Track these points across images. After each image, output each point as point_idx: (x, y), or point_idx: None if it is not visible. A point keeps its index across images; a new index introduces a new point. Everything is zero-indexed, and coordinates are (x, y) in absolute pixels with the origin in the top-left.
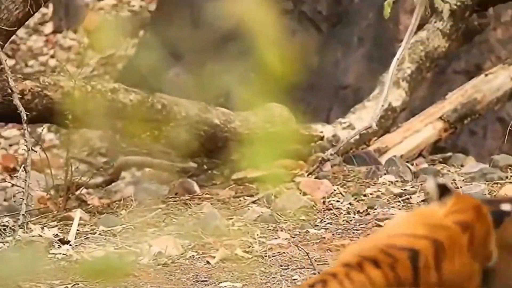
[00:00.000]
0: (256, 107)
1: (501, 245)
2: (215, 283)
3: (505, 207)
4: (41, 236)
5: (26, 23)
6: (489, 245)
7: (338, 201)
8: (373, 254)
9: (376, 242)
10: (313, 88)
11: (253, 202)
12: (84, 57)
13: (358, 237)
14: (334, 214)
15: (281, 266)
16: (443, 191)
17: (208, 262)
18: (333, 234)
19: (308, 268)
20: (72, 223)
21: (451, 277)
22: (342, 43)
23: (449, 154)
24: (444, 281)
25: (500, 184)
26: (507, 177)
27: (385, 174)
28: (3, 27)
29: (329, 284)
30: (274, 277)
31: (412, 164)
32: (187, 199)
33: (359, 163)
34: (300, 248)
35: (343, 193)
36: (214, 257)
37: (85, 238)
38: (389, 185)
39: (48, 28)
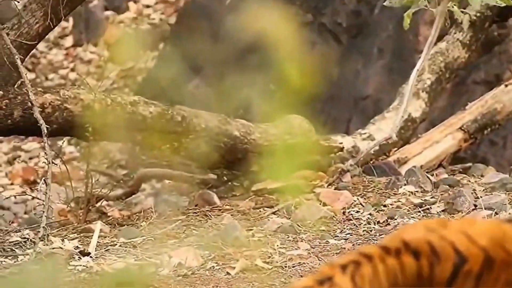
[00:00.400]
0: (275, 119)
1: None
2: None
3: None
4: (61, 248)
5: (46, 37)
6: None
7: (358, 211)
8: (418, 244)
9: (439, 229)
10: (333, 99)
11: (273, 213)
12: (104, 70)
13: None
14: (354, 225)
15: (301, 276)
16: None
17: (228, 273)
18: (353, 245)
19: None
20: (92, 235)
21: None
22: (362, 54)
23: (469, 164)
24: None
25: None
26: None
27: (405, 184)
28: (24, 41)
29: (363, 267)
30: None
31: (432, 175)
32: (207, 210)
33: (379, 174)
34: (320, 259)
35: (363, 204)
36: (234, 267)
37: (106, 250)
38: (409, 195)
39: (68, 41)
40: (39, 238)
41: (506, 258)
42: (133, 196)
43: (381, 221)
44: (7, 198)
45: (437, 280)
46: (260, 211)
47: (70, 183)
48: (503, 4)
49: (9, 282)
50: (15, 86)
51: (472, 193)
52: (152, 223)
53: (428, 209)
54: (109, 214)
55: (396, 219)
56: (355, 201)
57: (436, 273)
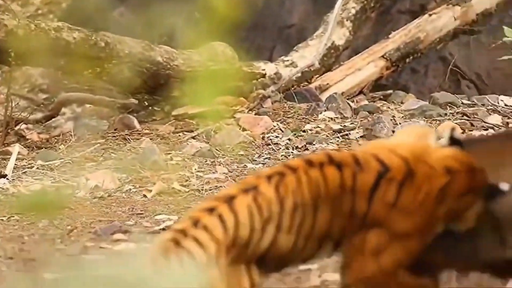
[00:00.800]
0: (200, 46)
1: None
2: (150, 215)
3: (504, 186)
4: None
5: None
6: (464, 205)
7: (277, 136)
8: (342, 157)
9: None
10: (257, 27)
11: (193, 137)
12: None
13: None
14: (273, 150)
15: None
16: (454, 143)
17: (144, 196)
18: (268, 169)
19: None
20: (10, 158)
21: (406, 206)
22: None
23: (390, 91)
24: (398, 206)
25: (439, 120)
26: (446, 114)
27: (325, 110)
28: None
29: (287, 178)
30: None
31: (353, 101)
32: (126, 134)
33: (299, 100)
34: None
35: (283, 129)
36: (151, 190)
37: (23, 172)
38: (328, 121)
39: None
40: None
41: (427, 171)
42: (53, 119)
43: (299, 146)
44: None
45: (359, 189)
46: (179, 135)
47: None
48: None
49: None
50: None
51: (391, 119)
52: (70, 146)
53: (347, 135)
54: (27, 137)
55: (314, 144)
56: (274, 126)
57: (359, 183)
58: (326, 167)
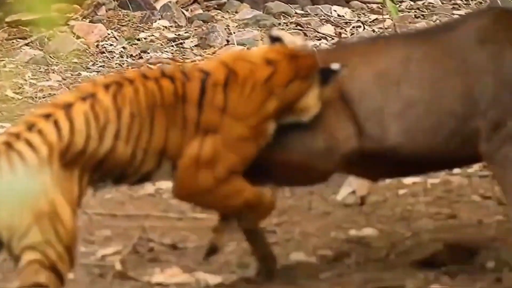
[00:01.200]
0: None
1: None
2: None
3: (335, 66)
4: None
5: None
6: (293, 93)
7: (111, 44)
8: (173, 72)
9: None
10: None
11: (26, 44)
12: None
13: None
14: (107, 58)
15: None
16: (275, 41)
17: None
18: (105, 77)
19: None
20: None
21: (237, 103)
22: None
23: (224, 0)
24: (229, 110)
25: None
26: (279, 24)
27: (159, 19)
28: None
29: (124, 88)
30: None
31: (187, 10)
32: None
33: (134, 8)
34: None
35: (117, 37)
36: None
37: None
38: (163, 30)
39: None
40: None
41: (248, 66)
42: None
43: (134, 55)
44: None
45: (189, 98)
46: (13, 42)
47: None
48: None
49: None
50: None
51: (225, 29)
52: None
53: (181, 43)
54: None
55: (149, 53)
56: (109, 34)
57: (188, 92)
58: (160, 80)
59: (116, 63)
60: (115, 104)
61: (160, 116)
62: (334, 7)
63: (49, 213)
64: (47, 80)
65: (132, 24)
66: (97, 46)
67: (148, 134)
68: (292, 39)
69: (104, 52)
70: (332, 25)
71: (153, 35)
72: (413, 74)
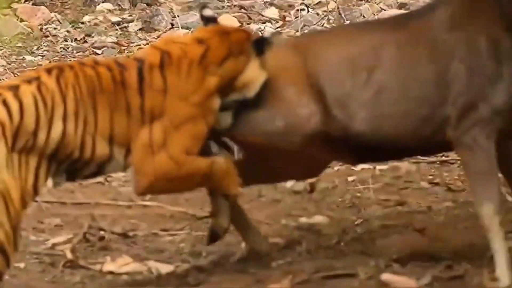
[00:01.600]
0: None
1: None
2: None
3: (266, 34)
4: None
5: None
6: (232, 68)
7: (55, 28)
8: (107, 62)
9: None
10: None
11: None
12: None
13: None
14: (51, 42)
15: None
16: (209, 21)
17: None
18: (50, 61)
19: None
20: None
21: (176, 83)
22: None
23: None
24: (170, 90)
25: (217, 13)
26: (223, 7)
27: (103, 2)
28: None
29: (66, 73)
30: None
31: None
32: None
33: None
34: (16, 75)
35: (61, 21)
36: None
37: None
38: (107, 13)
39: None
40: None
41: (180, 47)
42: None
43: (78, 39)
44: None
45: (129, 83)
46: None
47: None
48: None
49: None
50: None
51: (169, 12)
52: None
53: (125, 27)
54: None
55: (93, 36)
56: (52, 17)
57: (127, 80)
58: (97, 67)
59: (60, 47)
60: (59, 87)
61: (102, 102)
62: None
63: (0, 191)
64: None
65: (76, 7)
66: (41, 29)
67: (93, 119)
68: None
69: (48, 36)
70: (276, 8)
71: (97, 18)
72: (383, 61)
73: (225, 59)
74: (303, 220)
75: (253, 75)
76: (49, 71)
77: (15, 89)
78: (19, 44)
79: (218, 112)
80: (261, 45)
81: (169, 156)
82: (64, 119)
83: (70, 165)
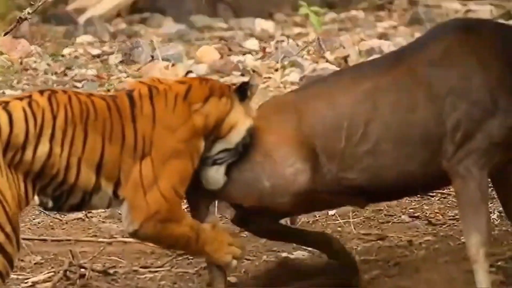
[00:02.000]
0: None
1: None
2: None
3: (248, 80)
4: None
5: None
6: (215, 109)
7: (35, 61)
8: (101, 94)
9: None
10: None
11: None
12: None
13: None
14: (31, 75)
15: None
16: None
17: None
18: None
19: None
20: None
21: (164, 113)
22: None
23: (147, 14)
24: (158, 119)
25: (197, 45)
26: (203, 38)
27: (83, 34)
28: None
29: (58, 95)
30: None
31: (111, 24)
32: None
33: (57, 23)
34: None
35: (41, 54)
36: None
37: None
38: (87, 45)
39: None
40: None
41: (166, 84)
42: None
43: (58, 72)
44: None
45: (122, 109)
46: None
47: None
48: None
49: None
50: None
51: (149, 43)
52: None
53: (106, 59)
54: None
55: (73, 69)
56: (32, 50)
57: (120, 106)
58: (91, 96)
59: (40, 81)
60: (50, 106)
61: (94, 129)
62: (258, 20)
63: None
64: None
65: (56, 40)
66: (21, 63)
67: (81, 144)
68: None
69: (28, 69)
70: (257, 39)
71: (77, 51)
72: (379, 110)
73: (208, 98)
74: (284, 255)
75: (238, 119)
76: (41, 92)
77: (5, 103)
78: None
79: (209, 170)
80: (243, 91)
81: (160, 192)
82: (52, 137)
83: (55, 189)
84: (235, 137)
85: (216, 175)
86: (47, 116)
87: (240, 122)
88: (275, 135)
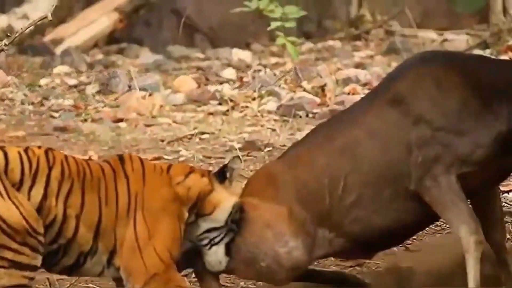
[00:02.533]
0: None
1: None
2: None
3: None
4: None
5: None
6: (196, 188)
7: (12, 92)
8: (93, 161)
9: None
10: None
11: None
12: None
13: (33, 129)
14: (8, 105)
15: None
16: None
17: None
18: (7, 126)
19: None
20: None
21: (152, 174)
22: None
23: (124, 45)
24: (146, 173)
25: (175, 74)
26: (180, 68)
27: (60, 65)
28: None
29: (54, 151)
30: None
31: (87, 55)
32: None
33: (34, 54)
34: None
35: (18, 84)
36: None
37: None
38: (64, 76)
39: None
40: None
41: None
42: None
43: (35, 102)
44: None
45: (114, 167)
46: None
47: None
48: None
49: None
50: None
51: (126, 74)
52: None
53: (83, 90)
54: None
55: (50, 99)
56: (9, 80)
57: (112, 163)
58: (87, 160)
59: (17, 111)
60: (46, 157)
61: (91, 187)
62: (235, 50)
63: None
64: None
65: (33, 71)
66: None
67: (79, 202)
68: None
69: (4, 100)
70: (234, 68)
71: (54, 81)
72: (355, 160)
73: (189, 173)
74: (260, 284)
75: (221, 198)
76: (38, 146)
77: (1, 147)
78: None
79: (208, 253)
80: (222, 173)
81: (156, 254)
82: (47, 185)
83: (52, 241)
84: (221, 215)
85: (216, 257)
86: (42, 164)
87: (223, 201)
88: (266, 212)
